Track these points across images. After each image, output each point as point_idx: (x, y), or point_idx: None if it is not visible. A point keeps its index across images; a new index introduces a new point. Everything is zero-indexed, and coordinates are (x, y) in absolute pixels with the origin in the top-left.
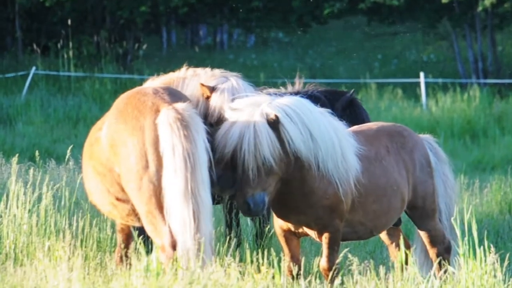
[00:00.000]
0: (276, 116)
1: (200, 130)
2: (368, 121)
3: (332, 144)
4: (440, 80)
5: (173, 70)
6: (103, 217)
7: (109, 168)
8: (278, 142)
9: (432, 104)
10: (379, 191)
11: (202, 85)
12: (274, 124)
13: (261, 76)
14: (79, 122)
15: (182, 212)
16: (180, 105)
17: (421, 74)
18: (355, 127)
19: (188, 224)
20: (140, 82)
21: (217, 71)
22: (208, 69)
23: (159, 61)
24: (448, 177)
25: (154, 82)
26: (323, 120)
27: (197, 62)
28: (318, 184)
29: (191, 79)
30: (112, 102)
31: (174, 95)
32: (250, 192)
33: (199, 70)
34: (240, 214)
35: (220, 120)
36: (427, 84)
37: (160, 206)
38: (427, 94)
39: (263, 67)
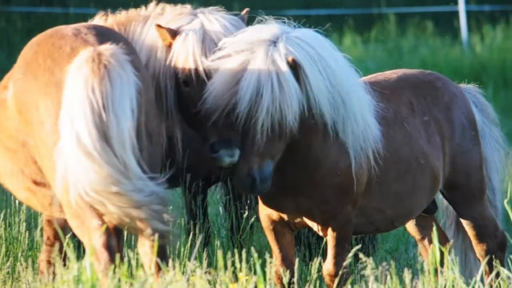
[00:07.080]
0: (293, 60)
1: (126, 71)
2: None
3: (353, 97)
4: (487, 8)
5: (116, 2)
6: (14, 208)
7: (21, 142)
8: (304, 97)
9: (476, 42)
10: (401, 166)
11: (159, 26)
12: (295, 71)
13: (235, 7)
14: None
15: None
16: (105, 47)
17: None
18: (367, 77)
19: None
20: (65, 18)
21: (188, 7)
22: (180, 5)
23: None
24: (500, 144)
25: (106, 22)
26: (343, 62)
27: None
28: (326, 153)
29: (155, 19)
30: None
31: (103, 35)
32: (257, 161)
33: (169, 7)
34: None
35: (190, 78)
36: (468, 14)
37: None
38: (469, 28)
39: None
